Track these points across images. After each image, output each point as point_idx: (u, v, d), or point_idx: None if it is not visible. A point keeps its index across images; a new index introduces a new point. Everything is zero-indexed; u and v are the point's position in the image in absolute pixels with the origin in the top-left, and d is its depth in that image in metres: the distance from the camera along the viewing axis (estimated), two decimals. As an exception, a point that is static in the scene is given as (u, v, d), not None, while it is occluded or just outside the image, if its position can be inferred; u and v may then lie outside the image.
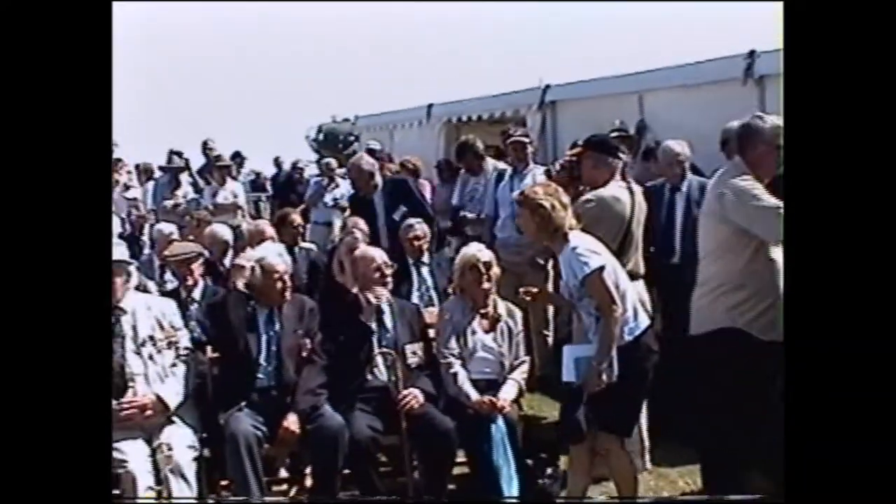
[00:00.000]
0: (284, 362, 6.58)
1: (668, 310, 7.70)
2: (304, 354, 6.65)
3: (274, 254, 6.89)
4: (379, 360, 6.77)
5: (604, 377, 5.69)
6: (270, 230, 9.28)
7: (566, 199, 6.03)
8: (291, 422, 6.34)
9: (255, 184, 21.81)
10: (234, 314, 6.64)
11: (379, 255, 7.12)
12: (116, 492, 6.03)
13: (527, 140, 10.21)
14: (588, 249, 5.81)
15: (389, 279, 7.08)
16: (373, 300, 6.94)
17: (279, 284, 6.68)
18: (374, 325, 6.90)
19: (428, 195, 13.26)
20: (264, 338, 6.63)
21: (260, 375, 6.56)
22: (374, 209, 9.60)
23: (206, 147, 16.25)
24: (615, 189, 6.87)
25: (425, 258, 8.58)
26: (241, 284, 6.67)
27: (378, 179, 9.81)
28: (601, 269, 5.72)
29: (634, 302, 5.93)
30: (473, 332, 6.87)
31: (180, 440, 6.12)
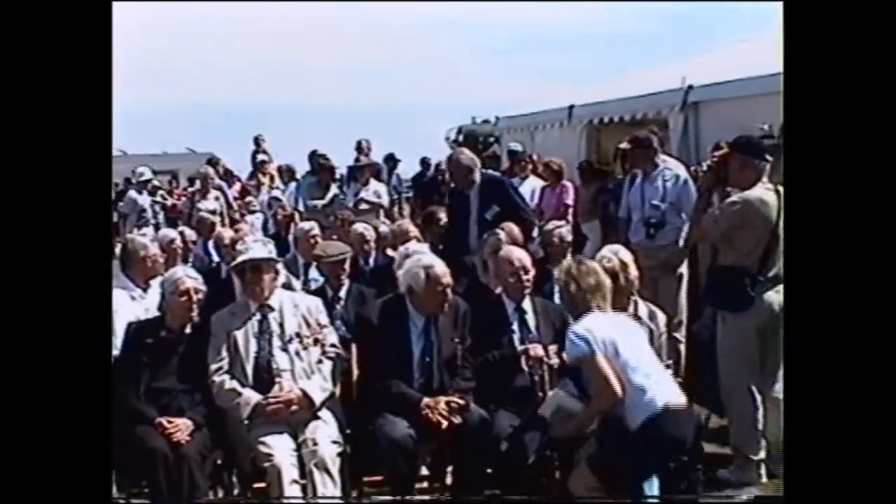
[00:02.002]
0: (437, 369, 6.57)
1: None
2: (459, 363, 6.63)
3: (441, 263, 6.70)
4: (522, 360, 6.74)
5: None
6: (414, 230, 9.37)
7: (587, 279, 5.93)
8: (441, 407, 6.32)
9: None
10: (389, 319, 6.64)
11: (519, 258, 7.03)
12: (262, 485, 6.18)
13: (645, 146, 10.03)
14: (579, 333, 5.71)
15: (529, 281, 7.05)
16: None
17: (441, 296, 6.60)
18: (516, 326, 6.89)
19: (571, 197, 13.27)
20: (419, 347, 6.58)
21: (413, 380, 6.54)
22: (469, 205, 9.66)
23: (359, 147, 16.42)
24: (762, 191, 6.77)
25: (567, 258, 8.58)
26: (403, 289, 6.61)
27: (476, 176, 9.83)
28: (592, 353, 5.62)
29: (650, 379, 5.69)
30: (614, 334, 6.82)
31: (325, 435, 6.23)
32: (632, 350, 5.76)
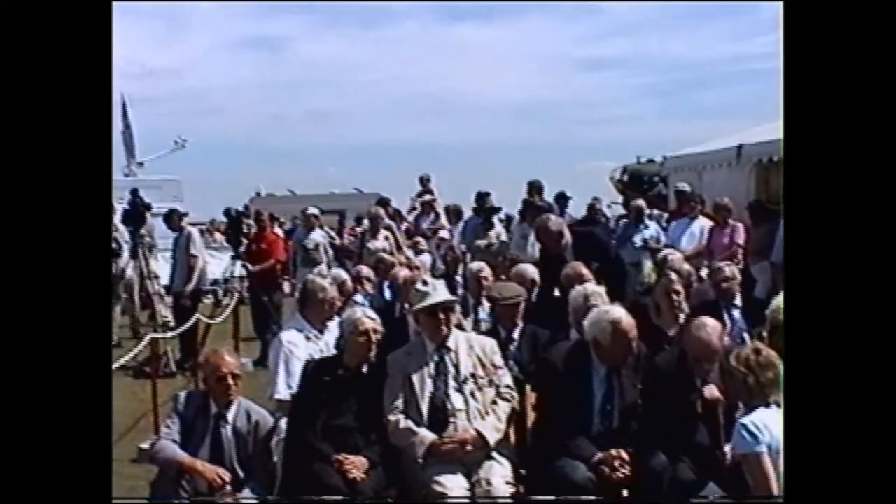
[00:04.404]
0: (618, 415, 6.50)
1: None
2: (640, 410, 6.51)
3: (627, 316, 6.55)
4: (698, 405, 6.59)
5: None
6: (587, 272, 9.35)
7: (766, 374, 5.47)
8: (614, 463, 6.25)
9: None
10: (572, 366, 6.59)
11: (710, 337, 6.66)
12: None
13: None
14: (750, 428, 5.41)
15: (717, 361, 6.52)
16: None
17: (626, 350, 6.52)
18: (698, 383, 6.62)
19: (741, 237, 13.11)
20: (600, 393, 6.51)
21: (593, 426, 6.48)
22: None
23: (531, 187, 16.41)
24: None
25: (736, 300, 8.52)
26: (588, 339, 6.58)
27: (567, 237, 9.86)
28: (759, 453, 5.34)
29: None
30: (787, 379, 6.66)
31: (499, 476, 6.27)
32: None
